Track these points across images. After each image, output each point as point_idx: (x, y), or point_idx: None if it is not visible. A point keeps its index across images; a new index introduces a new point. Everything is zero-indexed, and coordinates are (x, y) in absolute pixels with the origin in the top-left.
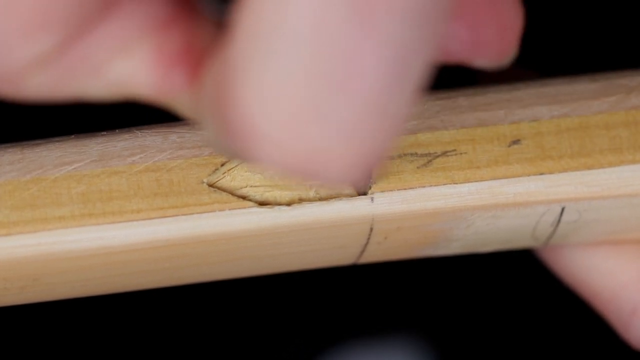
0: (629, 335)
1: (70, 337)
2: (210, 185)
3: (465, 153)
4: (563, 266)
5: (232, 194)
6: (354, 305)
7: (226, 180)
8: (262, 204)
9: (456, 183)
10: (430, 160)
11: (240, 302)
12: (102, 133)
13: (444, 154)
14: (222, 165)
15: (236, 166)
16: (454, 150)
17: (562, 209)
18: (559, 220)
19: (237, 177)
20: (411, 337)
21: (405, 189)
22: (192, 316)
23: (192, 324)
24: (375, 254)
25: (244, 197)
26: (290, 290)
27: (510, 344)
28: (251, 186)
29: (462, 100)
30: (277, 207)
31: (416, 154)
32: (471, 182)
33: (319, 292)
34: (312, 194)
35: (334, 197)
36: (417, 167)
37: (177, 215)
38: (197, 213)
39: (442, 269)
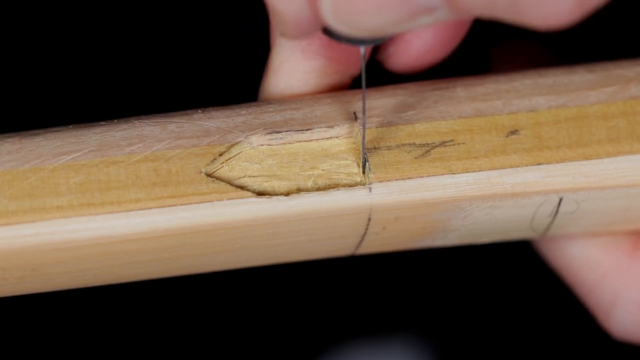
0: (609, 325)
1: (70, 328)
2: (209, 175)
3: (463, 143)
4: (551, 257)
5: (230, 183)
6: (354, 305)
7: (224, 170)
8: (260, 194)
9: (454, 173)
10: (428, 151)
11: (240, 303)
12: (101, 123)
13: (442, 144)
14: (221, 155)
15: (235, 156)
16: (452, 140)
17: (560, 200)
18: (556, 211)
19: (235, 167)
20: (411, 337)
21: (403, 179)
22: (191, 316)
23: (192, 324)
24: (374, 244)
25: (242, 187)
26: (290, 290)
27: (510, 343)
28: (249, 176)
29: (460, 90)
30: (275, 197)
31: (414, 144)
32: (469, 172)
33: (319, 293)
34: (310, 184)
35: (332, 187)
36: (415, 158)
37: (175, 205)
38: (196, 203)
39: (442, 269)
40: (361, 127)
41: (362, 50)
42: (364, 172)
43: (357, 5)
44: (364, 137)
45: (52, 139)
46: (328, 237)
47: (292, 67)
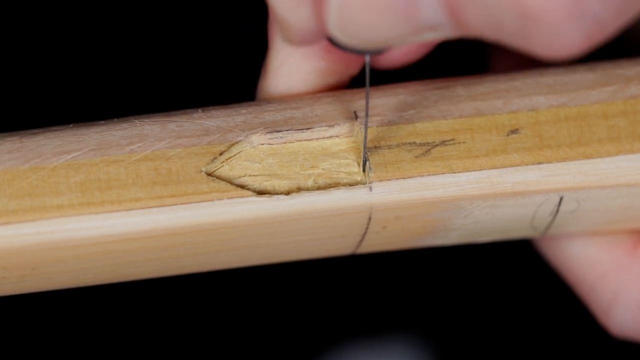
0: (609, 324)
1: (71, 327)
2: (209, 174)
3: (463, 142)
4: (551, 255)
5: (231, 183)
6: (354, 305)
7: (225, 169)
8: (260, 193)
9: (454, 172)
10: (428, 150)
11: (240, 302)
12: (101, 122)
13: (442, 143)
14: (221, 154)
15: (235, 155)
16: (452, 139)
17: (561, 199)
18: (557, 210)
19: (235, 166)
20: (411, 337)
21: (403, 178)
22: (191, 315)
23: (192, 323)
24: (374, 243)
25: (242, 186)
26: (290, 290)
27: (510, 343)
28: (250, 175)
29: (460, 89)
30: (275, 196)
31: (414, 143)
32: (469, 171)
33: (319, 292)
34: (310, 183)
35: (332, 186)
36: (416, 157)
37: (175, 204)
38: (196, 202)
39: (442, 269)
40: (361, 126)
41: (368, 58)
42: (364, 171)
43: (362, 20)
44: (365, 137)
45: (52, 138)
46: (328, 236)
47: (292, 68)
